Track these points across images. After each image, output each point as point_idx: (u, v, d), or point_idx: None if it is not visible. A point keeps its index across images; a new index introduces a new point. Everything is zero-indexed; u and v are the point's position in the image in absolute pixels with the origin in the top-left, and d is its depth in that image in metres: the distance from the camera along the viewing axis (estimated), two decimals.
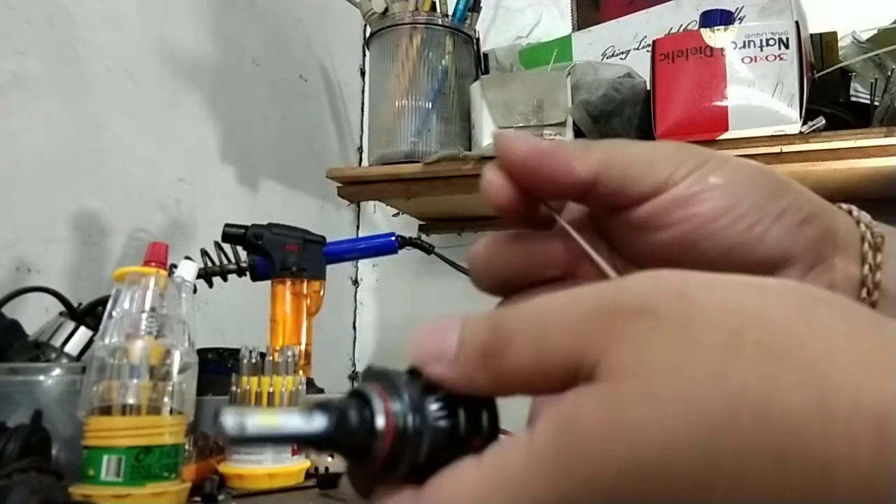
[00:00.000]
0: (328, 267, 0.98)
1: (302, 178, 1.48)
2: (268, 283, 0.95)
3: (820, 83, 1.14)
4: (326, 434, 0.21)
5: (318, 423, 0.21)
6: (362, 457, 0.22)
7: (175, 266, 0.79)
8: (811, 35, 1.18)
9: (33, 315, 0.85)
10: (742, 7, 1.22)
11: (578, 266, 0.31)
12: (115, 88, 1.07)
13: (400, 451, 0.22)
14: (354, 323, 1.67)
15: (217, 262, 0.96)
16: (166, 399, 0.63)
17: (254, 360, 0.74)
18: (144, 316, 0.65)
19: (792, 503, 0.18)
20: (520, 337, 0.21)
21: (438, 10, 1.29)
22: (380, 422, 0.22)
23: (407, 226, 1.58)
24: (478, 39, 1.36)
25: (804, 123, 1.05)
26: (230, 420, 0.20)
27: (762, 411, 0.18)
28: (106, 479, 0.59)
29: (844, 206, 0.32)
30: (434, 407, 0.22)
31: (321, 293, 0.96)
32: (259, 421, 0.21)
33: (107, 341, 0.64)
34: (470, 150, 1.23)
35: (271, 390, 0.73)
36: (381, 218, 1.67)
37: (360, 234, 1.67)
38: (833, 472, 0.17)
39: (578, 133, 1.19)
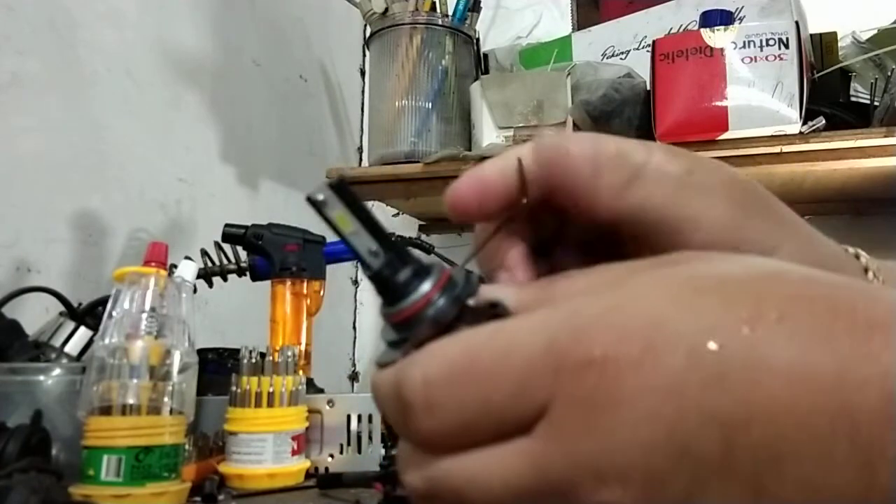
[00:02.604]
0: (328, 267, 0.98)
1: (302, 178, 1.48)
2: (268, 283, 0.95)
3: (820, 83, 1.14)
4: (383, 263, 0.24)
5: (377, 257, 0.24)
6: (393, 300, 0.24)
7: (175, 266, 0.79)
8: (811, 35, 1.18)
9: (33, 315, 0.85)
10: (742, 7, 1.22)
11: None
12: (115, 88, 1.07)
13: (426, 314, 0.23)
14: (354, 323, 1.67)
15: (217, 262, 0.96)
16: (166, 399, 0.63)
17: (254, 360, 0.74)
18: (144, 316, 0.65)
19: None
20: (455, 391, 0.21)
21: (438, 10, 1.29)
22: (426, 285, 0.24)
23: (407, 226, 1.58)
24: (478, 39, 1.36)
25: (804, 123, 1.05)
26: (318, 188, 0.23)
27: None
28: (106, 479, 0.59)
29: (851, 249, 0.30)
30: (471, 303, 0.24)
31: (321, 293, 0.96)
32: (337, 211, 0.24)
33: (107, 341, 0.63)
34: (470, 150, 1.22)
35: (271, 390, 0.73)
36: (381, 218, 1.66)
37: None
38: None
39: None
